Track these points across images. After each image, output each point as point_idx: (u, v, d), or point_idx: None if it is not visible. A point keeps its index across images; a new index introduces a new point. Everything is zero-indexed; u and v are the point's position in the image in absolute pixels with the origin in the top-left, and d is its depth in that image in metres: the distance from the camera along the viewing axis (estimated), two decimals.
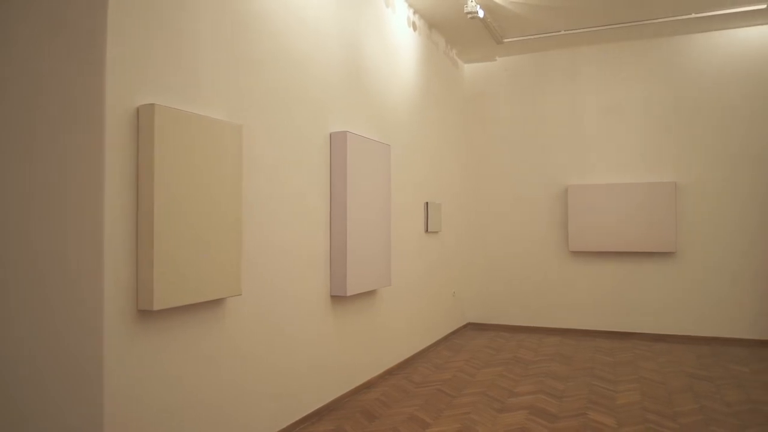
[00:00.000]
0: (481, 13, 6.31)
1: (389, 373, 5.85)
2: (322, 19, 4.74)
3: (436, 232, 7.32)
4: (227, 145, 3.44)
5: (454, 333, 7.95)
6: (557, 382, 5.54)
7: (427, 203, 6.96)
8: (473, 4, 6.16)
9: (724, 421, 4.42)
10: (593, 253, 7.92)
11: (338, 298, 4.88)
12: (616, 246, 7.66)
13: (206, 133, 3.28)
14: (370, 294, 5.47)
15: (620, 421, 4.42)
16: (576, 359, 6.47)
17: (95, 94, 2.78)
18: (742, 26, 7.28)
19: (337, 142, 4.81)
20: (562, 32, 7.40)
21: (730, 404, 4.83)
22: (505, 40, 7.65)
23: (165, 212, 2.97)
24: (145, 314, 2.97)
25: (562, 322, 8.05)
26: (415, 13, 6.72)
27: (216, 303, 3.48)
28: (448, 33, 7.52)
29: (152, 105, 2.93)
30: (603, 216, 7.71)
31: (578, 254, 8.01)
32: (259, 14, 3.93)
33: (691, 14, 6.80)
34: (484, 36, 7.49)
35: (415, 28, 6.72)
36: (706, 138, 7.47)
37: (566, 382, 5.52)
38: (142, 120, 2.93)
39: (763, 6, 6.53)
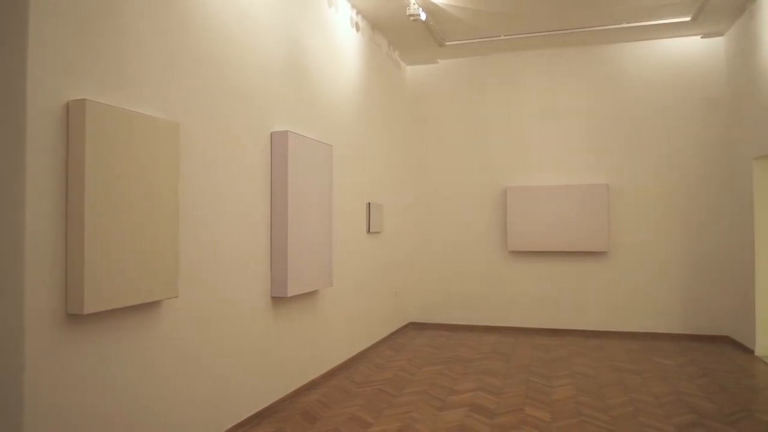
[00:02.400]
0: (423, 16, 6.37)
1: (331, 373, 5.83)
2: (264, 17, 4.68)
3: (378, 233, 7.35)
4: (164, 143, 3.35)
5: (395, 333, 8.00)
6: (496, 379, 5.67)
7: (369, 204, 6.98)
8: (415, 6, 6.22)
9: (651, 412, 4.63)
10: (531, 253, 8.14)
11: (279, 299, 4.83)
12: (552, 246, 7.91)
13: (141, 131, 3.17)
14: (311, 295, 5.44)
15: (555, 416, 4.56)
16: (514, 356, 6.64)
17: (16, 87, 2.64)
18: (670, 37, 7.66)
19: (278, 141, 4.75)
20: (502, 37, 7.57)
21: (657, 396, 5.06)
22: (447, 43, 7.76)
23: (96, 212, 2.86)
24: (75, 318, 2.84)
25: (501, 320, 8.24)
26: (358, 13, 6.73)
27: (152, 305, 3.37)
28: (391, 34, 7.57)
29: (83, 100, 2.81)
30: (540, 217, 7.95)
31: (517, 254, 8.22)
32: (198, 9, 3.84)
33: (623, 24, 7.10)
34: (427, 38, 7.58)
35: (358, 29, 6.73)
36: (636, 142, 7.82)
37: (504, 379, 5.65)
38: (73, 116, 2.81)
39: (688, 18, 6.89)
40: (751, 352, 6.57)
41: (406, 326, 8.51)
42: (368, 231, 6.96)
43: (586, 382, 5.52)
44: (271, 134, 4.76)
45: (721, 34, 7.49)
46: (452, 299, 8.49)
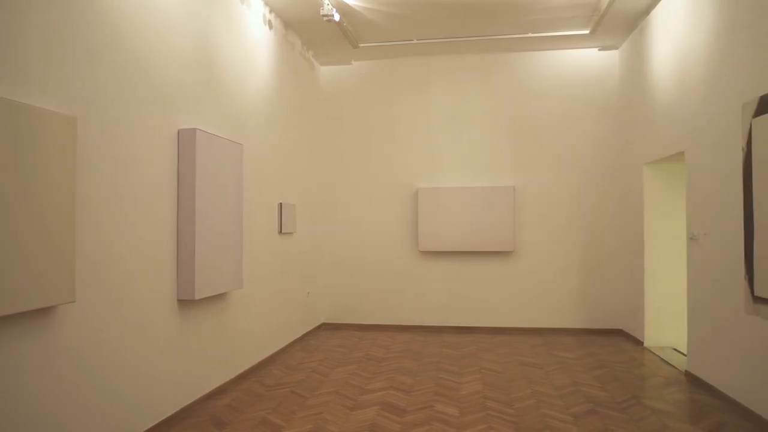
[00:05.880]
0: (336, 17, 6.37)
1: (242, 377, 5.70)
2: (172, 10, 4.51)
3: (291, 233, 7.27)
4: (59, 138, 3.15)
5: (308, 334, 7.95)
6: (407, 377, 5.76)
7: (281, 204, 6.89)
8: (329, 7, 6.21)
9: (552, 403, 4.88)
10: (441, 253, 8.35)
11: (186, 302, 4.67)
12: (461, 246, 8.15)
13: (33, 125, 2.97)
14: (220, 297, 5.30)
15: (463, 411, 4.71)
16: (424, 354, 6.78)
17: None
18: (571, 48, 8.10)
19: (186, 139, 4.60)
20: (414, 41, 7.72)
21: (557, 388, 5.34)
22: (361, 45, 7.81)
23: None
24: None
25: (413, 319, 8.40)
26: (271, 11, 6.63)
27: (44, 311, 3.16)
28: (305, 34, 7.52)
29: None
30: (450, 217, 8.17)
31: (427, 254, 8.40)
32: None
33: (528, 34, 7.44)
34: (340, 39, 7.59)
35: (271, 27, 6.63)
36: (539, 146, 8.21)
37: (415, 377, 5.76)
38: None
39: (587, 32, 7.33)
40: (640, 343, 7.08)
41: (319, 327, 8.47)
42: (280, 231, 6.87)
43: (493, 377, 5.73)
44: (178, 132, 4.60)
45: (615, 48, 8.02)
46: (365, 299, 8.55)
